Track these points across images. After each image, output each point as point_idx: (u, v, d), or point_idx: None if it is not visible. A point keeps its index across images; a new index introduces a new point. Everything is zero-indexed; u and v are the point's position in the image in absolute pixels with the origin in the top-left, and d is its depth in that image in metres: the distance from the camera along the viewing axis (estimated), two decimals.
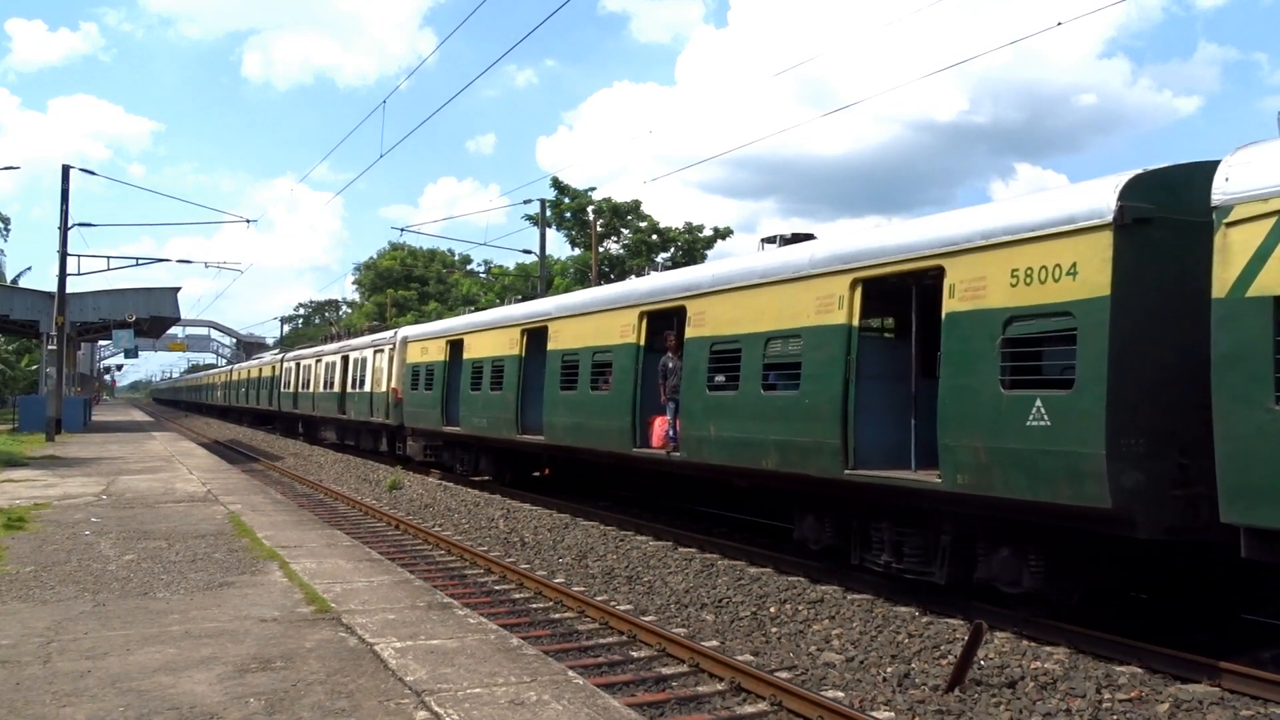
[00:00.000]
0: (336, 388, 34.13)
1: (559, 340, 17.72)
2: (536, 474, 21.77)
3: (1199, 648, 8.05)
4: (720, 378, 12.79)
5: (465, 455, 23.44)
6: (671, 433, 14.06)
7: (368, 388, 30.12)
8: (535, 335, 19.02)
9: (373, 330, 40.81)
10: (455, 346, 23.37)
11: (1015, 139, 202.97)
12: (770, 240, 13.45)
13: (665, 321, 14.91)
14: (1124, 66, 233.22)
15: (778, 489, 12.56)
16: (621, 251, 47.53)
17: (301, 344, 57.30)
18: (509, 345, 20.03)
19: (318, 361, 37.73)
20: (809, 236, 13.01)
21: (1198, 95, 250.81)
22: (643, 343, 14.95)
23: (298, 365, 41.61)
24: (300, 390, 40.59)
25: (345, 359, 33.50)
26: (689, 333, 13.61)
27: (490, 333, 21.41)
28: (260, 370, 52.89)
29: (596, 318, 16.46)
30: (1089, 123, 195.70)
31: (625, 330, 15.38)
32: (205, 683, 5.71)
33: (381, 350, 29.28)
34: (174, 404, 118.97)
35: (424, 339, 26.21)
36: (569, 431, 17.03)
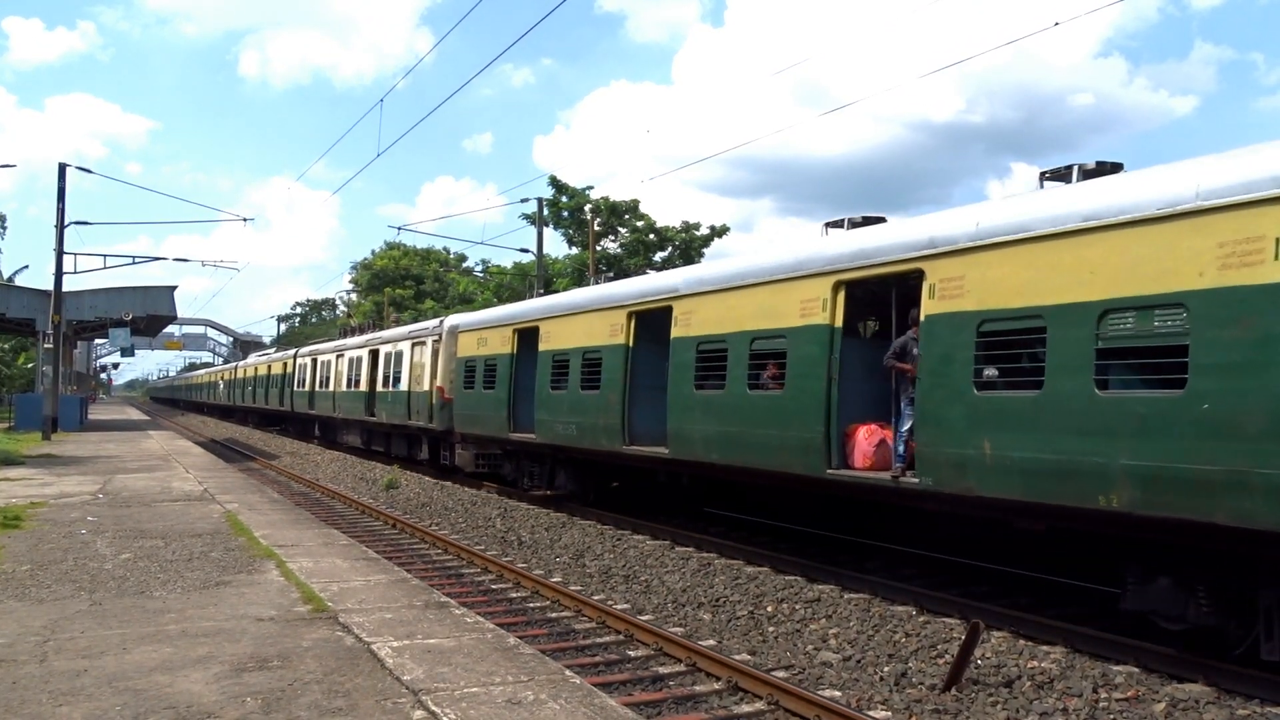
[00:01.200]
0: (363, 386, 30.64)
1: (692, 325, 13.60)
2: (615, 487, 18.07)
3: (1195, 647, 8.05)
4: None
5: (536, 468, 19.29)
6: (901, 449, 10.21)
7: (403, 386, 26.43)
8: (650, 320, 15.04)
9: (367, 327, 40.46)
10: (526, 336, 19.19)
11: (1012, 138, 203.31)
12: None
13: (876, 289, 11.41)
14: (1120, 66, 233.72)
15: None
16: (619, 250, 47.51)
17: (316, 339, 52.45)
18: (609, 332, 15.82)
19: (339, 356, 34.20)
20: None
21: (1194, 95, 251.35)
22: (838, 324, 11.10)
23: (314, 361, 38.01)
24: (318, 389, 37.01)
25: (374, 354, 29.98)
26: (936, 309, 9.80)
27: (581, 318, 17.00)
28: (270, 367, 48.82)
29: (764, 291, 12.25)
30: (1085, 122, 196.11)
31: (809, 308, 11.38)
32: (202, 682, 5.70)
33: (422, 343, 25.37)
34: (172, 403, 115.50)
35: (481, 328, 21.79)
36: (716, 444, 13.03)
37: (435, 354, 24.24)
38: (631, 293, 15.88)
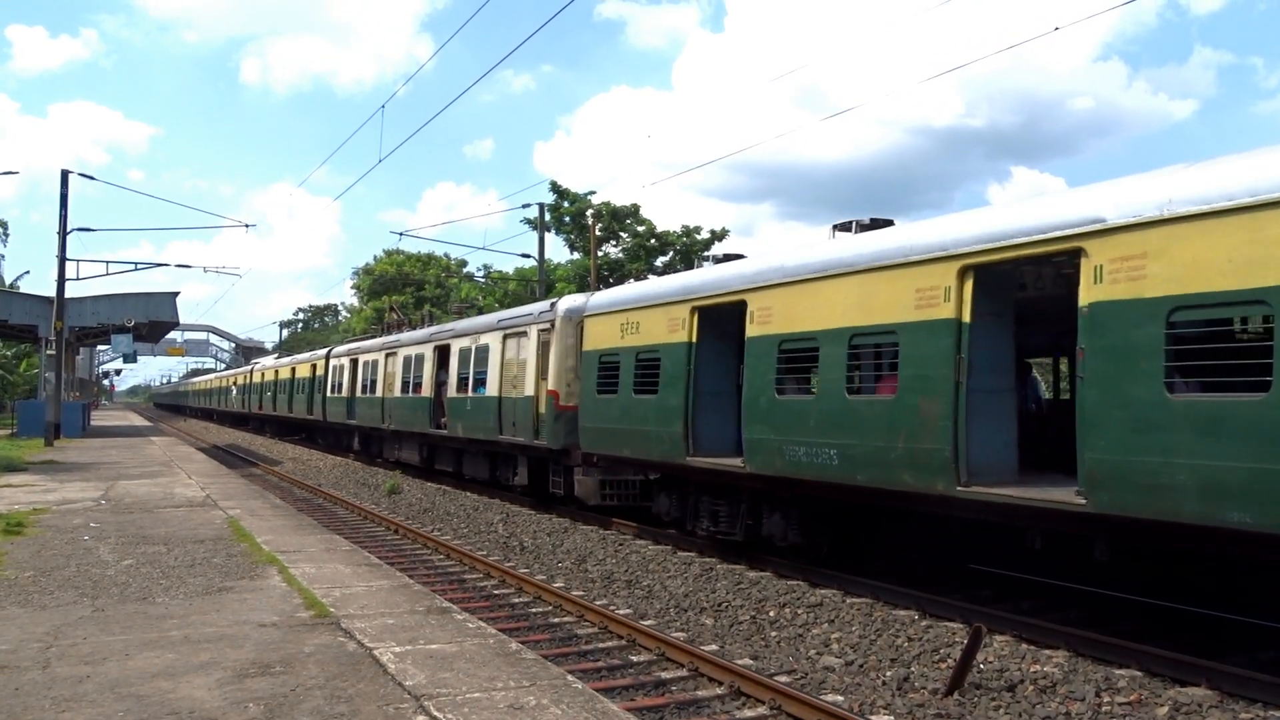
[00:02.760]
0: (426, 390, 24.81)
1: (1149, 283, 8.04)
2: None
3: (1198, 650, 8.05)
4: None
5: (724, 507, 13.14)
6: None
7: (490, 390, 20.16)
8: (988, 276, 9.45)
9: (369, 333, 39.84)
10: (714, 316, 13.30)
11: (1011, 143, 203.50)
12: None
13: None
14: (1120, 70, 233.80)
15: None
16: (621, 255, 47.55)
17: (345, 339, 46.52)
18: (904, 304, 9.94)
19: (389, 355, 28.53)
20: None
21: (1193, 99, 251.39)
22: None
23: (354, 362, 32.32)
24: (360, 394, 31.26)
25: (442, 351, 24.28)
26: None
27: (838, 282, 10.89)
28: (295, 370, 42.81)
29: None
30: (1085, 126, 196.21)
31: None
32: (204, 688, 5.70)
33: (521, 333, 19.26)
34: (177, 410, 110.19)
35: (627, 309, 15.25)
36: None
37: (544, 347, 18.12)
38: (930, 244, 9.99)
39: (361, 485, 25.07)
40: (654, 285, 15.98)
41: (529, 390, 18.45)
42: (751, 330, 12.00)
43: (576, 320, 17.33)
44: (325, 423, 36.51)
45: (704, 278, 13.78)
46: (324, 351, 38.48)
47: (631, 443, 14.74)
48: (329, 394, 35.24)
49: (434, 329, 26.30)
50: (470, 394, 21.55)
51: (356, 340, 37.53)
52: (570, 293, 26.87)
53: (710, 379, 13.38)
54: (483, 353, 21.17)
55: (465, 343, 22.48)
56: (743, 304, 12.22)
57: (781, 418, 11.43)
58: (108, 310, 37.38)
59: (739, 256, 14.12)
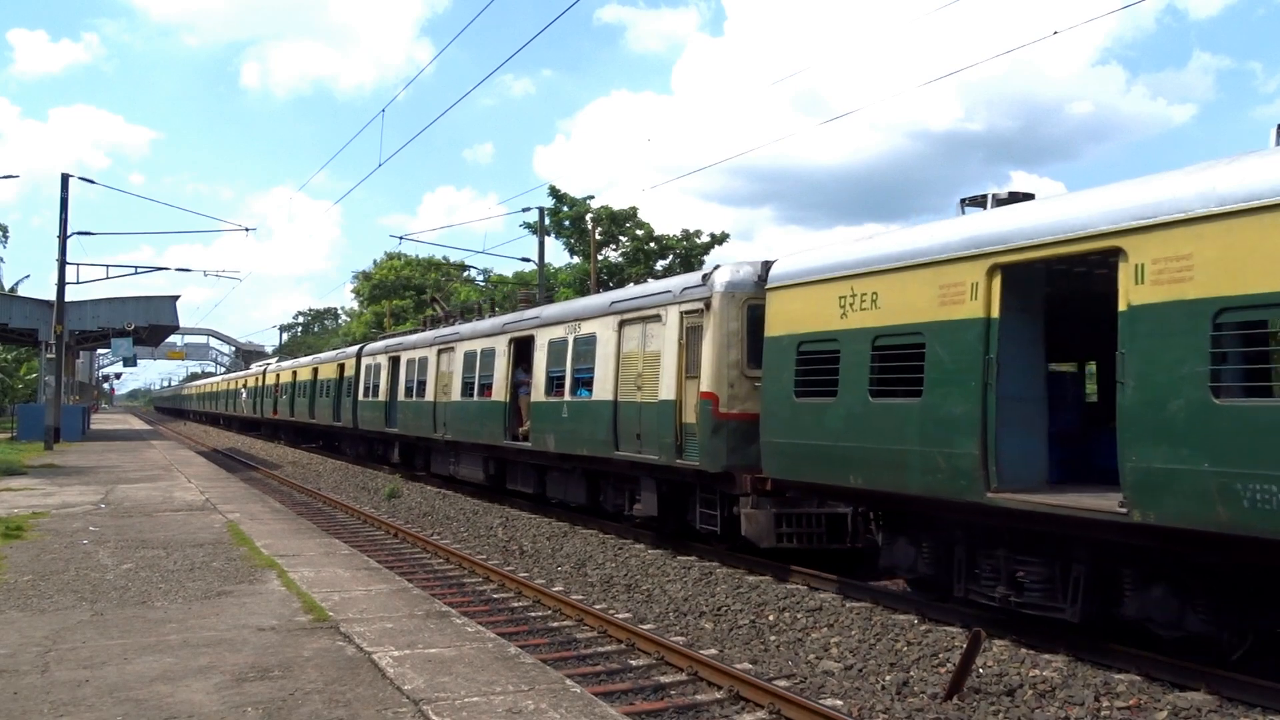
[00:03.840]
0: (498, 393, 19.93)
1: None
2: None
3: (1197, 655, 8.04)
4: None
5: (1041, 571, 8.99)
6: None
7: (600, 392, 15.56)
8: None
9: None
10: (1027, 278, 9.26)
11: (1011, 147, 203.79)
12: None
13: None
14: (1118, 75, 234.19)
15: None
16: (620, 259, 47.58)
17: (382, 335, 38.79)
18: None
19: (443, 351, 23.78)
20: (1028, 196, 9.90)
21: (1192, 104, 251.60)
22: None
23: (394, 361, 27.88)
24: (404, 398, 26.48)
25: (521, 344, 19.38)
26: None
27: None
28: (317, 370, 37.93)
29: None
30: (1084, 130, 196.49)
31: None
32: (203, 692, 5.71)
33: (653, 319, 14.45)
34: (179, 413, 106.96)
35: (856, 274, 10.58)
36: None
37: (691, 335, 13.44)
38: None
39: (361, 489, 25.07)
40: (902, 238, 10.40)
41: (665, 393, 13.74)
42: (1143, 293, 7.65)
43: (744, 297, 12.86)
44: (355, 430, 31.75)
45: (1021, 219, 8.96)
46: (354, 349, 33.72)
47: (866, 468, 10.22)
48: (361, 397, 30.74)
49: (509, 317, 20.83)
50: (567, 398, 16.80)
51: (394, 334, 32.87)
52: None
53: (1014, 376, 9.07)
54: (585, 345, 16.49)
55: (557, 333, 17.59)
56: (1116, 253, 7.92)
57: (1228, 437, 7.03)
58: (108, 314, 37.41)
59: (1029, 196, 10.02)
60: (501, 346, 20.19)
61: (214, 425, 72.97)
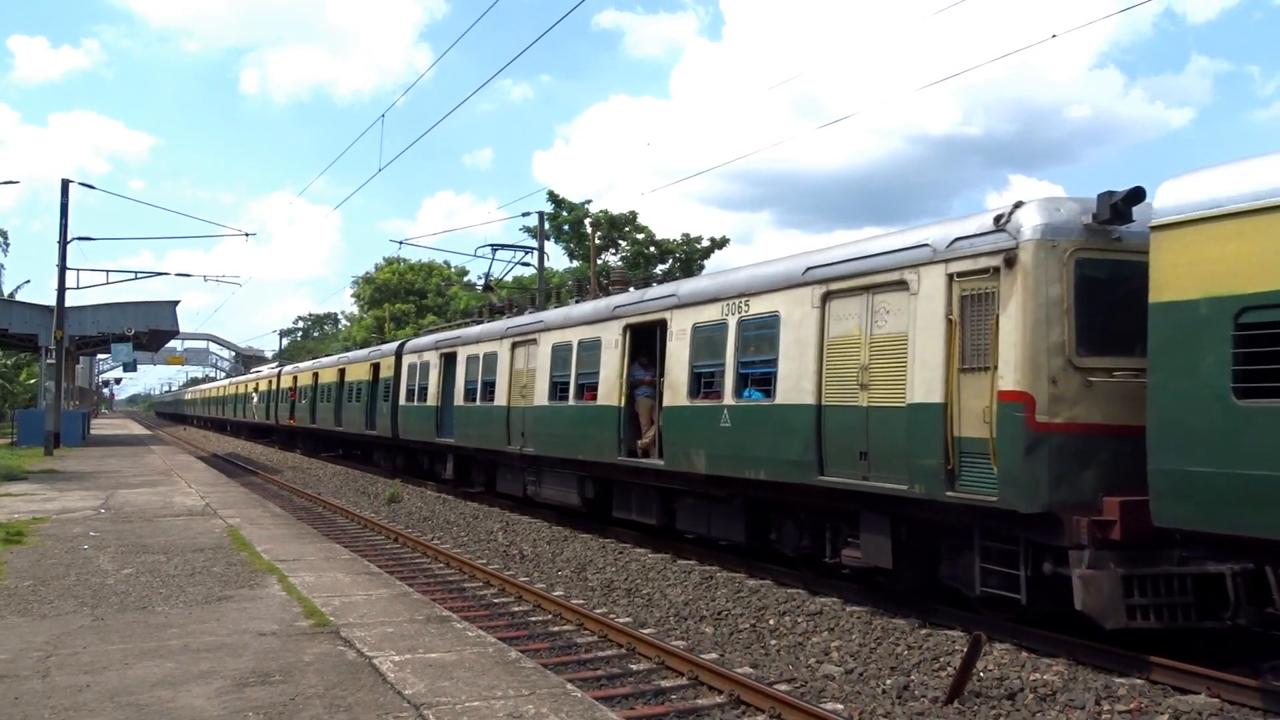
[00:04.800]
0: (607, 395, 15.49)
1: None
2: None
3: (1198, 659, 8.04)
4: None
5: None
6: None
7: (797, 395, 11.31)
8: None
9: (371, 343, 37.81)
10: None
11: (1009, 150, 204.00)
12: None
13: None
14: (1116, 79, 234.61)
15: None
16: (620, 263, 47.63)
17: (426, 330, 36.46)
18: None
19: (521, 344, 19.18)
20: None
21: (1190, 107, 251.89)
22: None
23: (448, 359, 23.57)
24: (463, 403, 22.00)
25: (640, 331, 15.27)
26: None
27: None
28: (344, 371, 33.87)
29: None
30: (1082, 134, 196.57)
31: None
32: (204, 697, 5.71)
33: (896, 285, 10.14)
34: (181, 419, 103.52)
35: None
36: None
37: (971, 308, 9.39)
38: None
39: (361, 494, 25.06)
40: None
41: (922, 394, 9.62)
42: None
43: (1069, 248, 8.85)
44: (395, 440, 27.47)
45: None
46: (392, 346, 29.29)
47: None
48: (403, 402, 26.54)
49: (622, 299, 16.06)
50: (729, 401, 12.54)
51: (444, 328, 28.86)
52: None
53: None
54: (757, 329, 12.26)
55: (708, 315, 13.19)
56: None
57: None
58: (108, 319, 37.45)
59: None
60: (611, 336, 15.62)
61: (219, 431, 68.89)
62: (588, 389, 16.23)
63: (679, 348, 13.80)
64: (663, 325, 14.41)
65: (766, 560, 12.78)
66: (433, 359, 24.73)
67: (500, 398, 19.82)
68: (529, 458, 18.45)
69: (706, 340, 13.28)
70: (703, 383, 13.34)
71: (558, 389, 17.35)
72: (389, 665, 6.44)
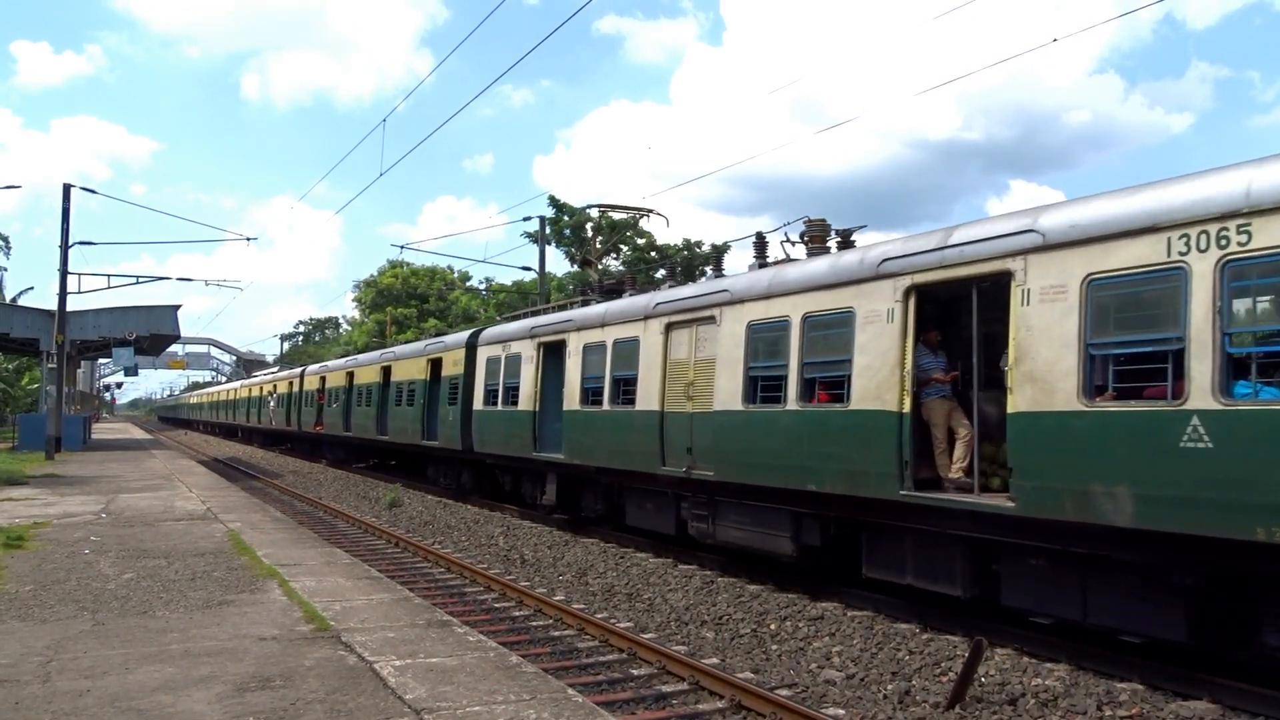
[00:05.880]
0: (872, 398, 10.21)
1: None
2: None
3: (1200, 664, 8.03)
4: None
5: None
6: None
7: None
8: None
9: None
10: None
11: (1009, 155, 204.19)
12: None
13: None
14: (1116, 84, 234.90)
15: None
16: (621, 268, 47.66)
17: (504, 317, 25.72)
18: None
19: (680, 325, 14.03)
20: None
21: (1190, 112, 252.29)
22: None
23: (554, 350, 18.08)
24: (585, 406, 16.53)
25: (941, 291, 10.08)
26: None
27: None
28: (389, 370, 28.91)
29: None
30: (1082, 139, 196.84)
31: None
32: (204, 701, 5.70)
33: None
34: (185, 423, 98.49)
35: None
36: None
37: None
38: None
39: (362, 498, 25.04)
40: None
41: None
42: None
43: None
44: (468, 454, 22.07)
45: None
46: (461, 337, 23.91)
47: None
48: (481, 406, 21.07)
49: (886, 248, 10.67)
50: (1194, 403, 7.22)
51: (524, 314, 22.01)
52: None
53: None
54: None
55: (1137, 251, 7.74)
56: None
57: None
58: (109, 323, 37.48)
59: None
60: (877, 304, 10.28)
61: (230, 438, 64.81)
62: (825, 386, 11.10)
63: (1050, 316, 8.38)
64: (1008, 278, 8.80)
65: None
66: (526, 350, 19.12)
67: (646, 399, 14.44)
68: (708, 484, 12.93)
69: (1120, 307, 7.93)
70: (1117, 373, 7.99)
71: (759, 387, 12.06)
72: (390, 670, 6.43)
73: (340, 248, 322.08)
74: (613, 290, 18.91)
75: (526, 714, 5.51)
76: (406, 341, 37.28)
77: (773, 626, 10.37)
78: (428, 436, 24.82)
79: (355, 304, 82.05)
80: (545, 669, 7.70)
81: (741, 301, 12.54)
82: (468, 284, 65.52)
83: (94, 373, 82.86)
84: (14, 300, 51.34)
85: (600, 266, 43.57)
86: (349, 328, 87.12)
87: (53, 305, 33.78)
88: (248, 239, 38.17)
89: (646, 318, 14.81)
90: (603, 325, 16.21)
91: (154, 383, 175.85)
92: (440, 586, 13.30)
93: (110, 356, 46.88)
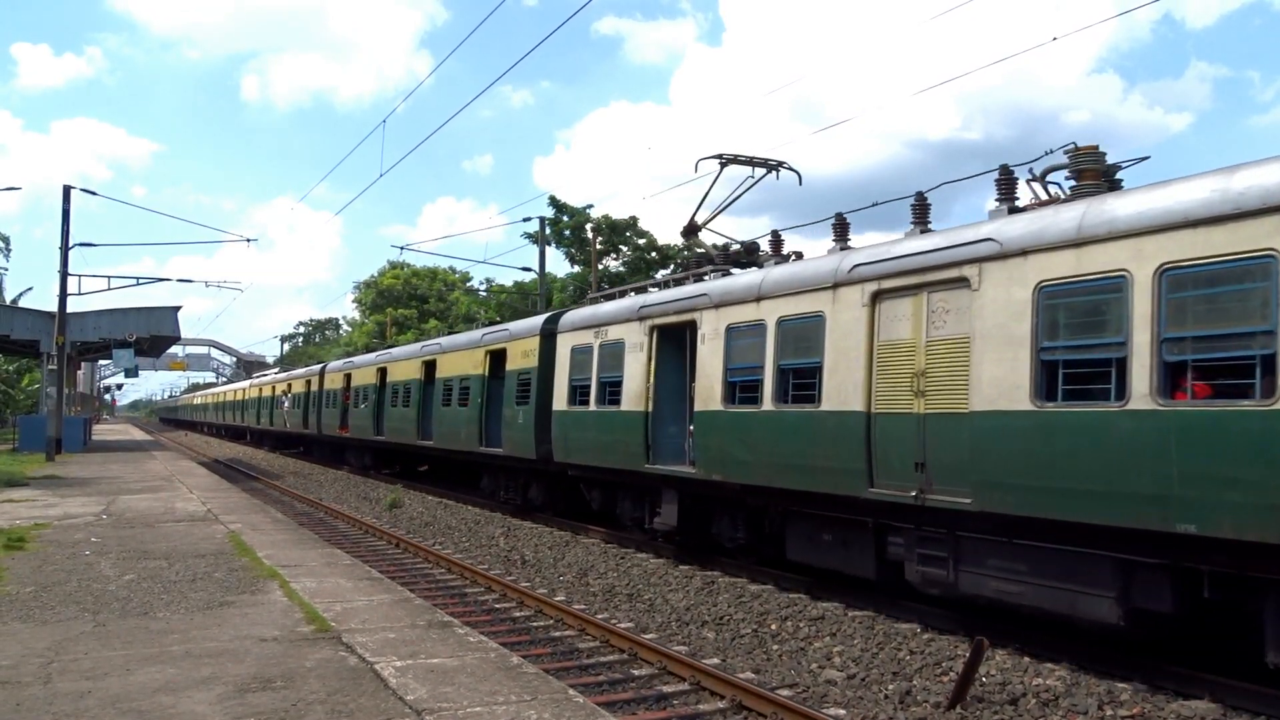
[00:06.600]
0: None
1: None
2: None
3: (1201, 664, 8.03)
4: None
5: None
6: None
7: None
8: None
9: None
10: None
11: (1008, 155, 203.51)
12: None
13: None
14: (1115, 84, 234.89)
15: None
16: (621, 269, 47.64)
17: (572, 305, 23.19)
18: None
19: (895, 292, 10.01)
20: None
21: (1189, 112, 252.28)
22: None
23: (667, 333, 14.48)
24: (724, 407, 12.57)
25: None
26: None
27: None
28: (433, 365, 25.09)
29: None
30: (1081, 139, 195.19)
31: None
32: (205, 703, 5.70)
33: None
34: (188, 425, 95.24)
35: None
36: None
37: None
38: None
39: (362, 499, 25.04)
40: None
41: None
42: None
43: None
44: (545, 464, 18.13)
45: None
46: (534, 322, 19.68)
47: None
48: (563, 406, 17.14)
49: None
50: None
51: (624, 291, 17.27)
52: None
53: None
54: None
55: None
56: None
57: None
58: (109, 325, 37.49)
59: None
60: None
61: (238, 440, 61.03)
62: (1202, 374, 7.36)
63: None
64: None
65: None
66: (631, 336, 15.16)
67: (838, 397, 10.71)
68: (931, 512, 9.56)
69: None
70: None
71: (1062, 378, 8.30)
72: (391, 671, 6.43)
73: (340, 249, 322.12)
74: (738, 261, 14.80)
75: (527, 714, 5.51)
76: (406, 343, 36.90)
77: (773, 626, 10.36)
78: (487, 442, 20.90)
79: (355, 305, 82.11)
80: (546, 669, 7.70)
81: (1024, 253, 8.62)
82: (468, 285, 65.55)
83: (94, 374, 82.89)
84: (14, 301, 51.39)
85: (601, 266, 43.55)
86: (349, 329, 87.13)
87: (53, 307, 33.79)
88: (248, 240, 38.26)
89: (836, 285, 10.93)
90: (758, 300, 12.31)
91: (154, 384, 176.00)
92: (441, 587, 13.30)
93: (110, 358, 46.89)
